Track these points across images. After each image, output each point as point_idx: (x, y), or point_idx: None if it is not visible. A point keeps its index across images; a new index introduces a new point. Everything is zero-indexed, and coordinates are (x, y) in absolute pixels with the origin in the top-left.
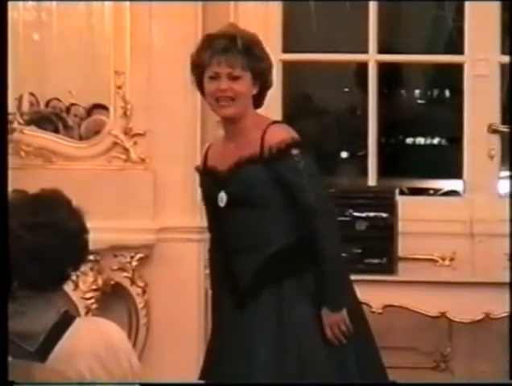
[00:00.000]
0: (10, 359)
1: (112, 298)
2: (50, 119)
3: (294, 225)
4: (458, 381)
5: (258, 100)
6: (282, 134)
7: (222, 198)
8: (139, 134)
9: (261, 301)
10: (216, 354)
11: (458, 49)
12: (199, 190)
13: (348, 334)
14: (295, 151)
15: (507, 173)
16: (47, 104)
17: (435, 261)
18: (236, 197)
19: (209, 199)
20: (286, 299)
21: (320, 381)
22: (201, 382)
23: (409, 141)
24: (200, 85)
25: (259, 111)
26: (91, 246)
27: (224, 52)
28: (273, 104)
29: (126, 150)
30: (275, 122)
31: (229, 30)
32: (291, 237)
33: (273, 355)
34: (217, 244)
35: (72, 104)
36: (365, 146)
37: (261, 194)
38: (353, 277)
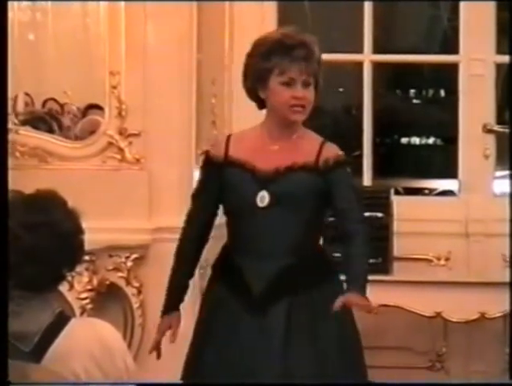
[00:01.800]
0: None
1: (107, 299)
2: (45, 119)
3: (317, 239)
4: (453, 381)
5: None
6: (338, 151)
7: (263, 197)
8: (134, 134)
9: (275, 310)
10: (215, 352)
11: (453, 49)
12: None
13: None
14: (347, 169)
15: (502, 172)
16: (43, 105)
17: (431, 261)
18: (280, 198)
19: (239, 197)
20: (301, 311)
21: None
22: (202, 382)
23: (404, 140)
24: (257, 86)
25: (257, 109)
26: (86, 246)
27: (305, 61)
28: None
29: (121, 150)
30: (326, 140)
31: (302, 38)
32: (313, 249)
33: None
34: (237, 244)
35: (67, 104)
36: (360, 146)
37: (305, 200)
38: None
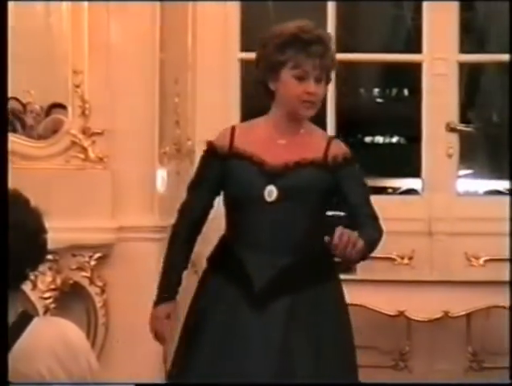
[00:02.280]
0: None
1: (70, 298)
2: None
3: (320, 235)
4: (417, 380)
5: None
6: (346, 149)
7: (271, 192)
8: (98, 133)
9: (275, 306)
10: (212, 345)
11: (416, 48)
12: (158, 190)
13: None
14: (356, 165)
15: (466, 171)
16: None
17: (394, 260)
18: (289, 193)
19: (245, 190)
20: (302, 309)
21: None
22: (202, 382)
23: (368, 139)
24: (268, 77)
25: (221, 108)
26: (49, 245)
27: (321, 57)
28: (232, 103)
29: (85, 150)
30: (333, 136)
31: (319, 33)
32: (316, 246)
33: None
34: (239, 236)
35: (30, 104)
36: None
37: (312, 197)
38: None
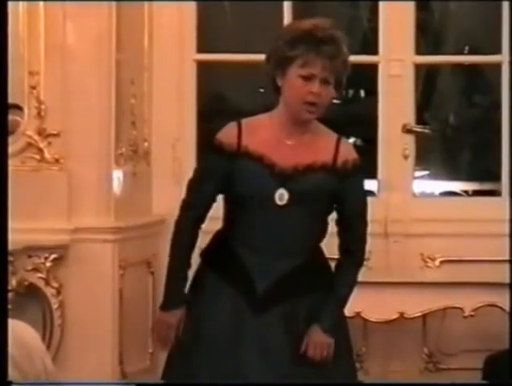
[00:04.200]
0: None
1: (26, 299)
2: None
3: (320, 240)
4: (373, 381)
5: None
6: (355, 153)
7: (282, 195)
8: (53, 135)
9: (277, 310)
10: (210, 351)
11: (372, 49)
12: (114, 191)
13: (323, 362)
14: (363, 174)
15: (421, 173)
16: None
17: None
18: (299, 197)
19: (254, 193)
20: (303, 314)
21: None
22: (202, 382)
23: None
24: (276, 72)
25: (177, 109)
26: None
27: (331, 59)
28: (188, 105)
29: (40, 151)
30: (341, 136)
31: (333, 33)
32: (317, 250)
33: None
34: (243, 237)
35: None
36: None
37: (320, 201)
38: None
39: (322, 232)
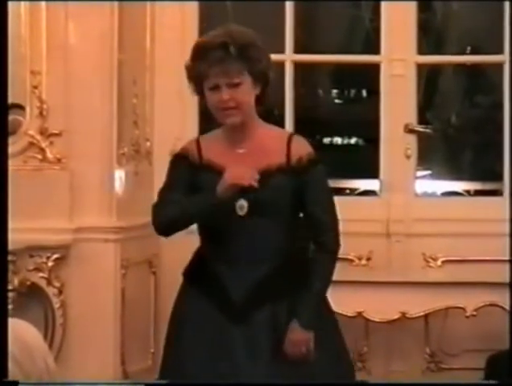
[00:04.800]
0: None
1: (28, 299)
2: None
3: (293, 241)
4: (375, 381)
5: (259, 99)
6: (309, 147)
7: (242, 206)
8: (55, 134)
9: (257, 318)
10: (198, 362)
11: (375, 49)
12: (116, 191)
13: (305, 359)
14: (320, 166)
15: (423, 172)
16: None
17: (352, 261)
18: (260, 206)
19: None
20: (282, 318)
21: None
22: (201, 382)
23: (326, 140)
24: (200, 92)
25: (179, 109)
26: None
27: (220, 63)
28: (189, 104)
29: (42, 150)
30: (292, 133)
31: (222, 37)
32: (292, 252)
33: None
34: (214, 251)
35: None
36: None
37: (283, 204)
38: None
39: (292, 234)
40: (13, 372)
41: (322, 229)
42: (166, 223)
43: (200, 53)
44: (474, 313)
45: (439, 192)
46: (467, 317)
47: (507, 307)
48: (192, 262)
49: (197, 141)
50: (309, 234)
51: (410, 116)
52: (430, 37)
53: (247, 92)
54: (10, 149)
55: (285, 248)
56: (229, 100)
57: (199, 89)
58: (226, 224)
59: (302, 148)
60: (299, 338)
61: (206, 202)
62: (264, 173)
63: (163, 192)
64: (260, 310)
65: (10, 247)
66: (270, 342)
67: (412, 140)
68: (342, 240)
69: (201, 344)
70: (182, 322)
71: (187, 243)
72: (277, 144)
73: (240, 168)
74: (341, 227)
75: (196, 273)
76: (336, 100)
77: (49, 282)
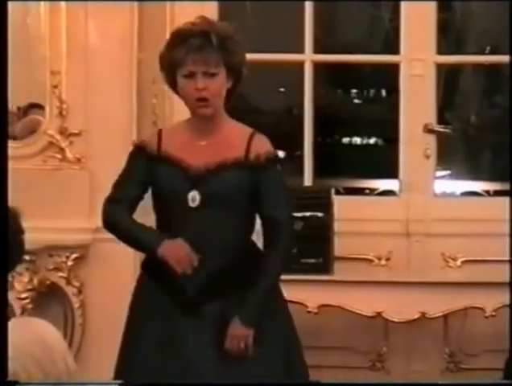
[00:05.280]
0: None
1: (47, 298)
2: None
3: (248, 236)
4: (394, 381)
5: (228, 94)
6: (269, 146)
7: (194, 197)
8: (75, 134)
9: (209, 311)
10: (148, 354)
11: (394, 49)
12: None
13: (242, 355)
14: (279, 165)
15: (443, 173)
16: None
17: (371, 261)
18: (212, 198)
19: (170, 195)
20: (235, 311)
21: None
22: (201, 382)
23: (345, 140)
24: (171, 82)
25: None
26: (27, 246)
27: (199, 50)
28: None
29: (62, 150)
30: (255, 131)
31: (202, 26)
32: (246, 248)
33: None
34: None
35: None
36: (301, 146)
37: (237, 199)
38: (288, 277)
39: (247, 230)
40: (33, 372)
41: (274, 229)
42: (109, 225)
43: (178, 39)
44: (493, 313)
45: (458, 192)
46: (486, 317)
47: None
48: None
49: (159, 133)
50: (263, 231)
51: (430, 116)
52: (449, 37)
53: (221, 84)
54: (30, 149)
55: (238, 243)
56: (203, 89)
57: (171, 78)
58: (178, 215)
59: (262, 146)
60: (237, 333)
61: (146, 245)
62: (219, 166)
63: (116, 186)
64: (210, 303)
65: (30, 246)
66: (218, 336)
67: (431, 140)
68: (362, 240)
69: (152, 338)
70: (135, 315)
71: None
72: (238, 139)
73: (182, 250)
74: (361, 227)
75: (152, 264)
76: (356, 100)
77: (68, 282)
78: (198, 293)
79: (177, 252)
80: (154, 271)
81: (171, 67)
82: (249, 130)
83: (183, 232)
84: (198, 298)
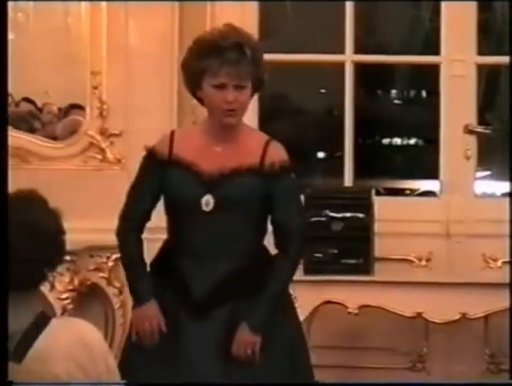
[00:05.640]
0: None
1: (88, 299)
2: (26, 119)
3: (260, 241)
4: (434, 381)
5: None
6: (284, 154)
7: (208, 201)
8: (115, 134)
9: (216, 315)
10: (152, 355)
11: (434, 49)
12: None
13: (252, 360)
14: (293, 174)
15: (483, 173)
16: (17, 104)
17: (412, 262)
18: (226, 203)
19: (184, 199)
20: (241, 318)
21: None
22: (201, 382)
23: (385, 141)
24: (192, 86)
25: None
26: (67, 246)
27: (234, 64)
28: (250, 103)
29: (102, 150)
30: (271, 139)
31: (235, 38)
32: (257, 253)
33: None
34: (179, 246)
35: (49, 104)
36: (341, 147)
37: (251, 204)
38: (329, 278)
39: (259, 235)
40: (73, 372)
41: (287, 236)
42: (118, 246)
43: (211, 49)
44: None
45: (498, 193)
46: None
47: None
48: (157, 255)
49: (171, 135)
50: (274, 238)
51: (470, 116)
52: (490, 37)
53: (249, 96)
54: (71, 150)
55: (249, 248)
56: (233, 101)
57: (193, 84)
58: (191, 219)
59: (277, 154)
60: (245, 339)
61: (131, 293)
62: (234, 171)
63: (128, 198)
64: (219, 307)
65: (70, 247)
66: (224, 339)
67: (472, 141)
68: (403, 240)
69: (159, 341)
70: None
71: None
72: (254, 146)
73: (147, 322)
74: (402, 227)
75: (161, 266)
76: (396, 101)
77: (109, 282)
78: (207, 296)
79: (142, 323)
80: (163, 271)
81: (198, 74)
82: (265, 137)
83: (195, 235)
84: (206, 301)
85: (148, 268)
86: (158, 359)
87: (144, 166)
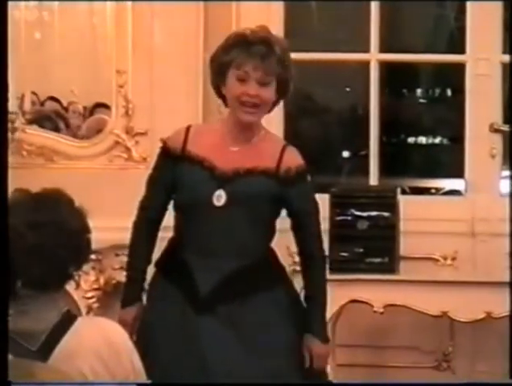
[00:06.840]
0: (10, 357)
1: (113, 298)
2: (51, 118)
3: (268, 242)
4: (460, 381)
5: (271, 106)
6: (300, 159)
7: (220, 196)
8: (141, 133)
9: (222, 311)
10: (160, 351)
11: (460, 48)
12: None
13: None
14: (308, 179)
15: (509, 172)
16: (42, 104)
17: (437, 261)
18: (238, 198)
19: (195, 194)
20: (248, 315)
21: None
22: (203, 382)
23: (410, 140)
24: (217, 83)
25: None
26: (93, 245)
27: (261, 57)
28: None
29: (128, 149)
30: (287, 144)
31: (266, 35)
32: (265, 253)
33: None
34: (187, 241)
35: (74, 103)
36: (366, 146)
37: (262, 203)
38: (354, 277)
39: (268, 235)
40: (99, 371)
41: (312, 241)
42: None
43: (239, 42)
44: None
45: None
46: None
47: None
48: (164, 251)
49: (187, 130)
50: (297, 244)
51: (496, 115)
52: None
53: (272, 95)
54: (96, 149)
55: (257, 247)
56: (256, 96)
57: (218, 79)
58: (202, 214)
59: (294, 159)
60: (322, 352)
61: (124, 289)
62: (249, 171)
63: (146, 188)
64: (225, 303)
65: (96, 246)
66: (231, 338)
67: (497, 139)
68: (428, 239)
69: (166, 338)
70: (150, 314)
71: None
72: (270, 150)
73: (124, 320)
74: (427, 226)
75: (167, 262)
76: (421, 100)
77: None
78: (213, 293)
79: (123, 323)
80: (168, 270)
81: (225, 66)
82: (282, 142)
83: (204, 230)
84: (212, 298)
85: (154, 266)
86: (168, 354)
87: (158, 161)
